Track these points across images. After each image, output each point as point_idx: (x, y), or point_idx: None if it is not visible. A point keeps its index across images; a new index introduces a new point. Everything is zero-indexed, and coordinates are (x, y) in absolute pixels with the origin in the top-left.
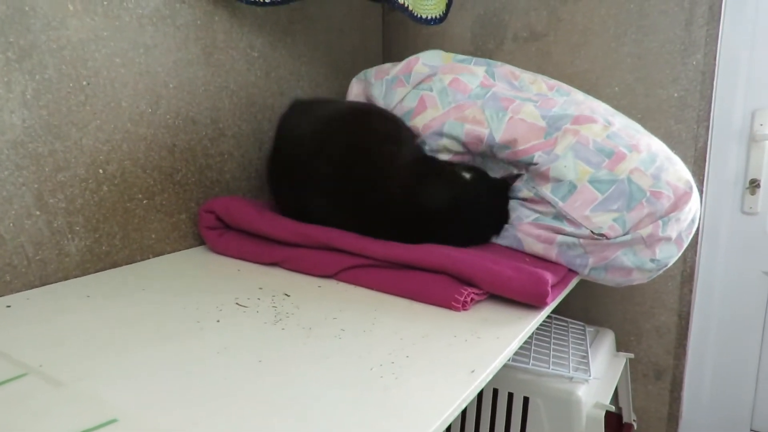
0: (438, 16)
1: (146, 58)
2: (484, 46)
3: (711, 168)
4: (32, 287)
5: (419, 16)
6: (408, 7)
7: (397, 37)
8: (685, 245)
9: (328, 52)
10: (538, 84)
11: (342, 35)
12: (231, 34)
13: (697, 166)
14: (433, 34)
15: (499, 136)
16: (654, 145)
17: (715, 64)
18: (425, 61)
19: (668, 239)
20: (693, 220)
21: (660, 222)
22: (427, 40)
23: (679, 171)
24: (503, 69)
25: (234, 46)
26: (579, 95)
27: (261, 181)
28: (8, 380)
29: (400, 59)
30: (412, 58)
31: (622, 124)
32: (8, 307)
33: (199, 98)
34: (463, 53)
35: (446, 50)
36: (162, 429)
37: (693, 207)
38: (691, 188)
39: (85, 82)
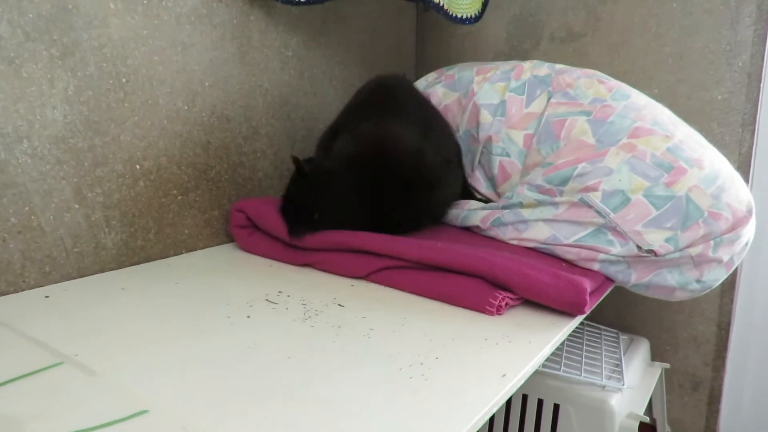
0: (474, 15)
1: (183, 56)
2: (519, 46)
3: (756, 174)
4: (70, 279)
5: (454, 15)
6: (443, 6)
7: (432, 37)
8: (734, 267)
9: (362, 52)
10: (595, 87)
11: (376, 35)
12: (266, 34)
13: (742, 172)
14: (468, 34)
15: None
16: (717, 161)
17: (762, 66)
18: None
19: (719, 261)
20: (747, 244)
21: (712, 242)
22: (462, 40)
23: (740, 192)
24: (558, 81)
25: (269, 45)
26: (641, 99)
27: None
28: (45, 368)
29: (434, 59)
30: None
31: (685, 134)
32: (47, 297)
33: (234, 96)
34: (497, 54)
35: (480, 51)
36: (191, 422)
37: (749, 231)
38: (750, 212)
39: (124, 80)
